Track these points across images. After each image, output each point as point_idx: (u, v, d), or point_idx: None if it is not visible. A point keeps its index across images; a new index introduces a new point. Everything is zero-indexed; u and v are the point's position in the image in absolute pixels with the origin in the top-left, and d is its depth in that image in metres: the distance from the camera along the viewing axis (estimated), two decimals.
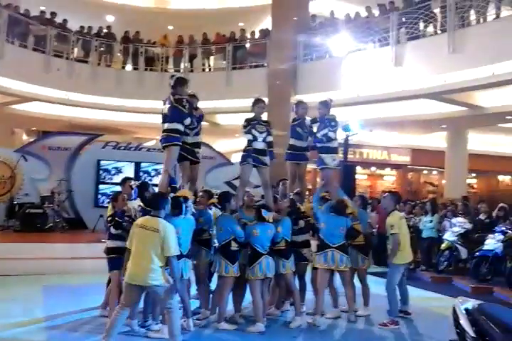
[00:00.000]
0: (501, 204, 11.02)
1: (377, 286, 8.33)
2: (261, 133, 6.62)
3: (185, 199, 5.71)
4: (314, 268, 6.72)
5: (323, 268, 6.44)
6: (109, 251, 6.13)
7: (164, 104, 6.43)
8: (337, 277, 6.89)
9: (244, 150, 6.66)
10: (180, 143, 6.32)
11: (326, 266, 6.42)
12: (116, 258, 5.84)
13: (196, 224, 6.03)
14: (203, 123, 7.05)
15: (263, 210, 6.24)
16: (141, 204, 5.92)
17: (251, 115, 6.79)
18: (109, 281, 6.33)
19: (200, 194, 6.88)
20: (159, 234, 4.97)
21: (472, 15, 11.60)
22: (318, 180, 8.59)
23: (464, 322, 3.16)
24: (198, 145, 6.88)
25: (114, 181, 13.16)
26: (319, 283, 6.53)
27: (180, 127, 6.26)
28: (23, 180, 12.76)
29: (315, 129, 7.21)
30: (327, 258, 6.39)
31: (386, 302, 6.58)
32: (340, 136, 13.20)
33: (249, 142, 6.60)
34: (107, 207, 12.25)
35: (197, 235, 6.14)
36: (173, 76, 6.56)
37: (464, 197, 12.45)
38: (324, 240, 6.47)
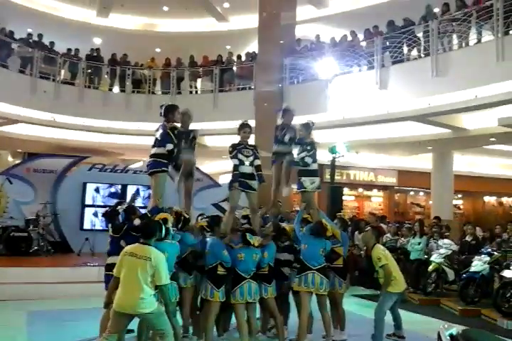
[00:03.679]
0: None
1: (363, 309, 8.28)
2: (247, 157, 6.62)
3: (165, 221, 5.68)
4: (295, 292, 6.57)
5: (304, 291, 6.32)
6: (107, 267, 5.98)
7: (157, 131, 6.44)
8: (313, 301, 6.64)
9: (232, 175, 6.65)
10: (167, 169, 6.32)
11: (306, 289, 6.29)
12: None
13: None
14: None
15: (248, 234, 6.22)
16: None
17: (238, 138, 6.80)
18: None
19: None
20: (151, 263, 4.87)
21: (455, 40, 11.84)
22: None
23: None
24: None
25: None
26: (302, 307, 6.36)
27: (167, 151, 6.25)
28: (8, 203, 12.57)
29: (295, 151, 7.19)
30: (307, 280, 6.27)
31: (370, 327, 6.46)
32: (323, 157, 13.19)
33: (236, 167, 6.60)
34: (91, 230, 12.36)
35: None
36: (162, 106, 6.58)
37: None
38: (305, 262, 6.38)
